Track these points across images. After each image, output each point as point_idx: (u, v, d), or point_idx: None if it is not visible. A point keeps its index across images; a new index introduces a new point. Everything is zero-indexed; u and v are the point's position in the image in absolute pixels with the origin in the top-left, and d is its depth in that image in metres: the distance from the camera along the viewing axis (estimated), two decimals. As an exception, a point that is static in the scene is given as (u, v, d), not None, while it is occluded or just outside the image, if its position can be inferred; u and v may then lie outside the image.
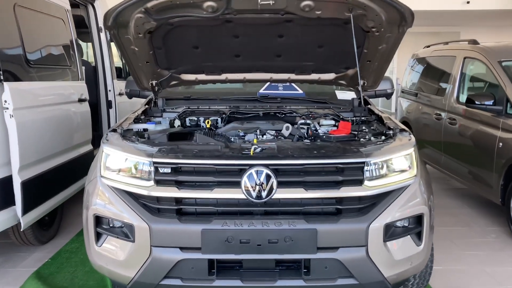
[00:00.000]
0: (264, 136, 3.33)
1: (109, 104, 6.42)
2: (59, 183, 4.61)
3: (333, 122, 3.75)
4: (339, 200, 2.62)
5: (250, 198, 2.55)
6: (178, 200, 2.62)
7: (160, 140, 2.96)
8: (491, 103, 5.02)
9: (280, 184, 2.56)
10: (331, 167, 2.63)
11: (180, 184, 2.61)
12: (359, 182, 2.64)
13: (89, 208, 2.79)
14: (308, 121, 3.81)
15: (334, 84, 3.95)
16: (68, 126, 4.82)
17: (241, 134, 3.33)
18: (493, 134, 4.93)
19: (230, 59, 3.55)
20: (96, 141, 6.04)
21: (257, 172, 2.55)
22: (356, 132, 3.23)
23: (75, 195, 4.86)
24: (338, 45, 3.41)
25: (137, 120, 3.54)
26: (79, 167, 5.03)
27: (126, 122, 3.36)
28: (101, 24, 6.25)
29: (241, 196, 2.56)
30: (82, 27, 6.10)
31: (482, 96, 5.29)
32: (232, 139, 3.24)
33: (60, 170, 4.59)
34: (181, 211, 2.63)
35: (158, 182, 2.64)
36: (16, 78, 3.83)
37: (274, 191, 2.55)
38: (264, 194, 2.54)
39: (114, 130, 3.08)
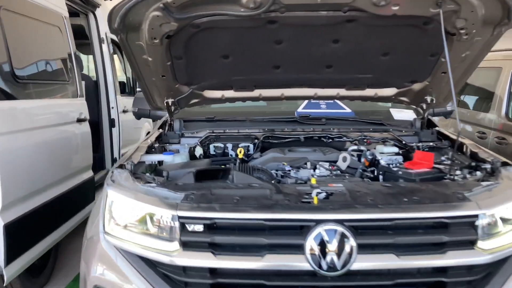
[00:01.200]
0: (317, 171, 2.56)
1: (111, 123, 5.72)
2: (53, 220, 3.85)
3: (395, 149, 2.99)
4: (443, 270, 1.84)
5: (319, 269, 1.77)
6: (213, 271, 1.85)
7: (184, 181, 2.19)
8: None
9: (361, 248, 1.79)
10: (432, 222, 1.86)
11: (216, 248, 1.84)
12: (470, 244, 1.86)
13: (87, 278, 2.02)
14: (362, 148, 3.05)
15: (393, 101, 3.20)
16: (65, 151, 4.07)
17: (287, 168, 2.56)
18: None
19: (267, 71, 2.80)
20: (98, 163, 5.34)
21: (327, 231, 1.79)
22: (443, 167, 2.45)
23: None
24: (409, 53, 2.66)
25: (150, 150, 2.78)
26: (78, 198, 4.35)
27: (137, 153, 2.60)
28: (103, 35, 5.55)
29: (305, 265, 1.79)
30: (82, 37, 5.40)
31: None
32: (278, 176, 2.49)
33: (55, 205, 3.83)
34: (219, 286, 1.85)
35: (185, 245, 1.87)
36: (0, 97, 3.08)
37: (353, 258, 1.78)
38: (339, 263, 1.77)
39: (122, 166, 2.32)
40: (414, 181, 2.30)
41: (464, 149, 2.83)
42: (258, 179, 2.30)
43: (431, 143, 3.10)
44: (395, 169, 2.48)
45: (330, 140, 3.15)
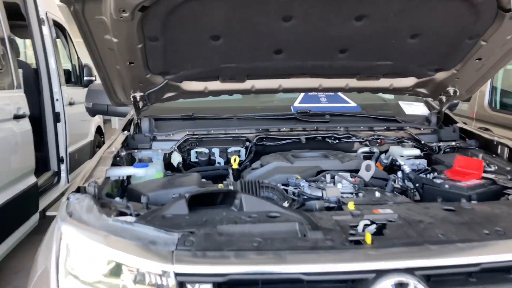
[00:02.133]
0: (338, 185, 2.00)
1: (56, 117, 4.91)
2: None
3: (417, 151, 2.50)
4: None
5: None
6: None
7: (174, 211, 1.56)
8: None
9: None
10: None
11: (234, 319, 1.25)
12: None
13: None
14: (375, 149, 2.54)
15: (410, 93, 2.69)
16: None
17: (302, 183, 1.98)
18: None
19: (266, 56, 2.20)
20: (41, 164, 4.54)
21: (394, 286, 1.24)
22: (493, 176, 1.97)
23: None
24: (443, 35, 2.14)
25: (115, 160, 2.12)
26: (17, 211, 3.65)
27: (100, 167, 1.93)
28: (43, 15, 4.70)
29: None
30: (17, 18, 4.52)
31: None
32: (294, 195, 1.91)
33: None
34: None
35: (187, 316, 1.26)
36: None
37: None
38: (414, 332, 1.23)
39: (81, 189, 1.65)
40: (469, 198, 1.80)
41: (499, 150, 2.38)
42: (269, 201, 1.71)
43: (453, 143, 2.64)
44: (437, 181, 1.96)
45: (337, 141, 2.61)
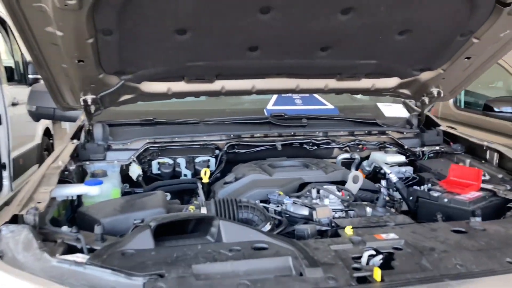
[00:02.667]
0: (325, 200, 1.76)
1: (-4, 120, 4.44)
2: None
3: (402, 157, 2.32)
4: None
5: None
6: None
7: (137, 244, 1.26)
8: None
9: None
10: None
11: None
12: None
13: None
14: (356, 156, 2.35)
15: (391, 95, 2.50)
16: None
17: (285, 199, 1.72)
18: None
19: (239, 53, 1.92)
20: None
21: None
22: (492, 186, 1.80)
23: None
24: (433, 31, 1.95)
25: (63, 175, 1.79)
26: None
27: (43, 187, 1.59)
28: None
29: None
30: None
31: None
32: (277, 215, 1.65)
33: None
34: None
35: None
36: None
37: None
38: None
39: (17, 218, 1.33)
40: (473, 213, 1.60)
41: (488, 156, 2.23)
42: (250, 225, 1.45)
43: (437, 147, 2.48)
44: (435, 194, 1.76)
45: (315, 147, 2.38)
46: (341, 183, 1.95)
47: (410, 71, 2.27)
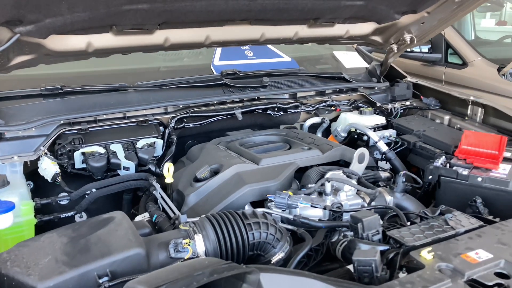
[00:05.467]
0: (341, 195, 1.33)
1: None
2: None
3: (381, 119, 2.00)
4: None
5: None
6: None
7: None
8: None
9: None
10: None
11: None
12: None
13: None
14: (325, 118, 1.98)
15: (363, 42, 2.09)
16: None
17: (300, 201, 1.24)
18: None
19: None
20: None
21: None
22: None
23: None
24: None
25: None
26: None
27: None
28: None
29: None
30: None
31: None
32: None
33: None
34: None
35: None
36: None
37: None
38: None
39: None
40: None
41: (470, 111, 2.00)
42: (297, 271, 0.97)
43: (407, 102, 2.18)
44: (464, 172, 1.44)
45: (281, 113, 1.91)
46: (340, 164, 1.54)
47: (392, 14, 1.87)
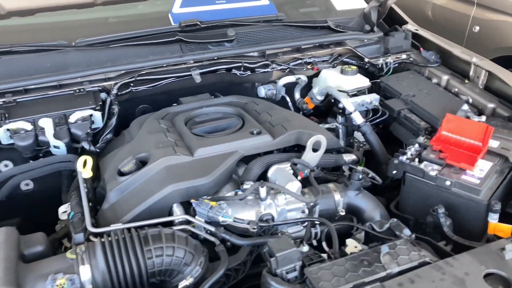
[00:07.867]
0: (283, 200, 1.17)
1: None
2: None
3: (365, 80, 1.75)
4: None
5: None
6: None
7: None
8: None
9: None
10: None
11: None
12: None
13: None
14: (301, 77, 1.76)
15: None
16: None
17: (222, 216, 1.09)
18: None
19: None
20: None
21: None
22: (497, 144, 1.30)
23: None
24: None
25: None
26: None
27: None
28: None
29: None
30: None
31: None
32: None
33: None
34: None
35: None
36: None
37: None
38: None
39: None
40: (488, 207, 1.12)
41: (473, 73, 1.71)
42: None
43: (403, 55, 1.88)
44: (431, 173, 1.22)
45: (248, 72, 1.68)
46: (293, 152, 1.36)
47: None
